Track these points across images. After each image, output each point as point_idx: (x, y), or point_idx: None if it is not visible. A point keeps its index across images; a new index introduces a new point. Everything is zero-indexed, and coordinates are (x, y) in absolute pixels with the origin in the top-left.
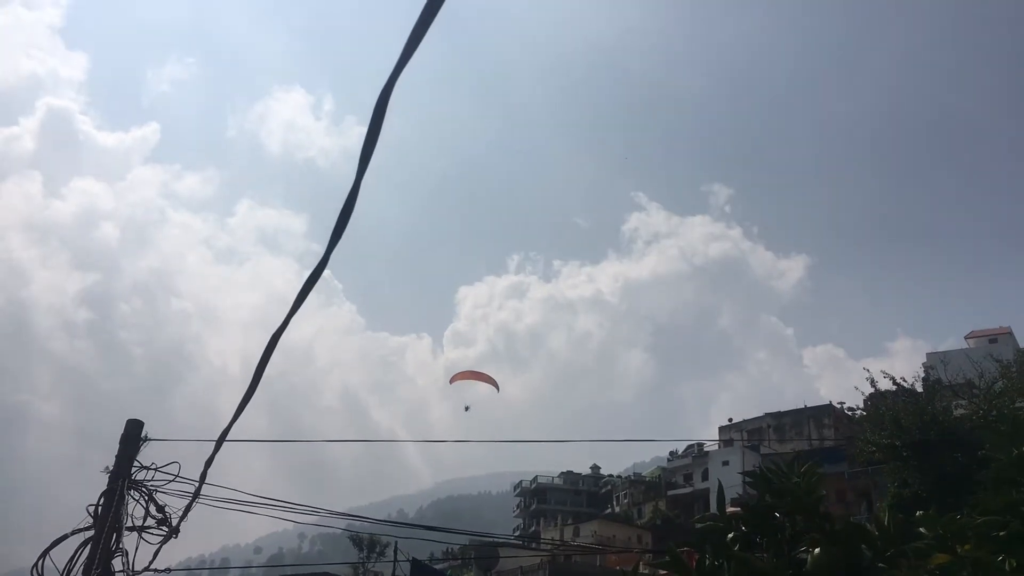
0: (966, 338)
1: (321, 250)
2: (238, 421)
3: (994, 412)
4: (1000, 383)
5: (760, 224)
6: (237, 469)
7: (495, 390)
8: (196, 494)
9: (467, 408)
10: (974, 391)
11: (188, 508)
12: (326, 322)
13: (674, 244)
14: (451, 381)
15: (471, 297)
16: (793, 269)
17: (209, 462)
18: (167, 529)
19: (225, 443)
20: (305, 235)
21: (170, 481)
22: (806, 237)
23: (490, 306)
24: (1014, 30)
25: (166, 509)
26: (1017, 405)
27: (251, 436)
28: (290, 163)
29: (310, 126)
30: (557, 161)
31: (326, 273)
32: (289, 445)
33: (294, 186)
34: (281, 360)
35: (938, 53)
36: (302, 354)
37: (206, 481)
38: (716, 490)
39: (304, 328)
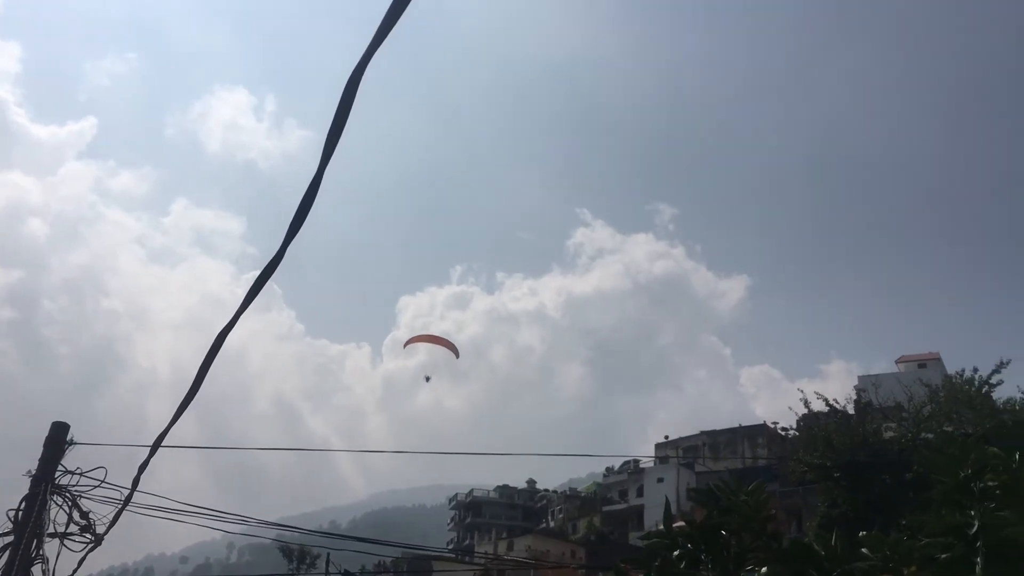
0: (896, 362)
1: (258, 254)
2: (163, 426)
3: (922, 435)
4: (928, 407)
5: (703, 244)
6: (163, 475)
7: (454, 356)
8: (127, 501)
9: (428, 378)
10: (903, 414)
11: (117, 516)
12: (264, 327)
13: (618, 261)
14: (405, 345)
15: (412, 307)
16: (734, 289)
17: (143, 467)
18: (91, 536)
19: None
20: (242, 238)
21: (95, 487)
22: (747, 258)
23: (431, 316)
24: (955, 60)
25: (90, 515)
26: (944, 429)
27: (179, 441)
28: (229, 164)
29: (251, 127)
30: (503, 174)
31: None
32: (219, 451)
33: (232, 187)
34: (214, 363)
35: (878, 80)
36: (236, 358)
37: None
38: (664, 507)
39: (239, 331)
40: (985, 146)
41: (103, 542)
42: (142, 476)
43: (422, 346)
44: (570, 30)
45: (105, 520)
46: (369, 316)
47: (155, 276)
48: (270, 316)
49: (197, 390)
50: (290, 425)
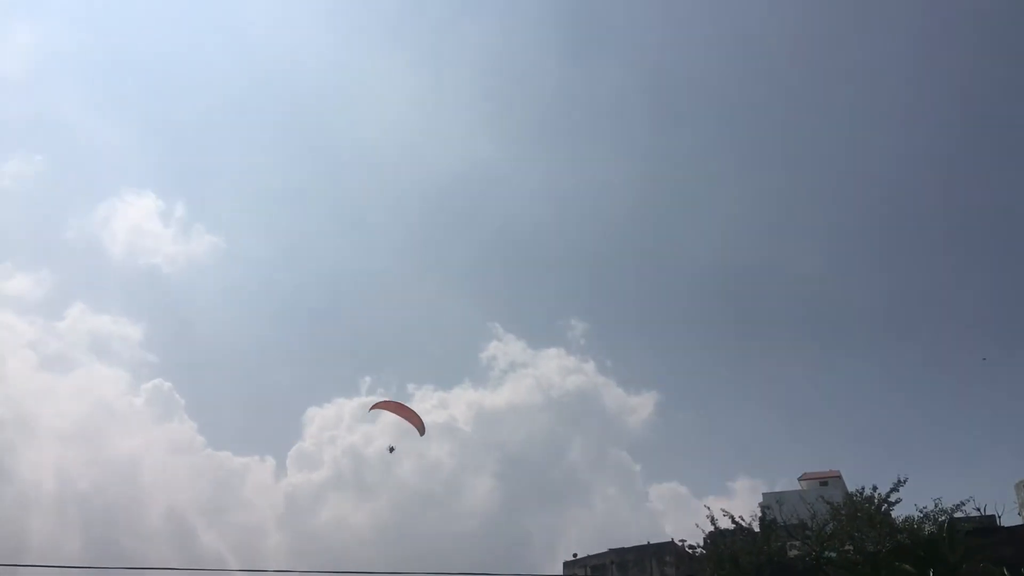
0: (799, 480)
1: (157, 361)
2: (45, 543)
3: (825, 554)
4: (831, 525)
5: (613, 359)
6: None
7: (418, 432)
8: None
9: (391, 449)
10: (807, 532)
11: None
12: (162, 437)
13: (530, 375)
14: (371, 409)
15: (319, 418)
16: (644, 405)
17: None
18: None
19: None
20: (140, 344)
21: None
22: (657, 374)
23: (339, 428)
24: (846, 183)
25: None
26: (846, 548)
27: (63, 559)
28: (132, 268)
29: (158, 232)
30: (412, 285)
31: (167, 386)
32: (102, 570)
33: (133, 293)
34: (102, 476)
35: (774, 200)
36: (128, 471)
37: None
38: None
39: (132, 443)
40: (871, 269)
41: None
42: None
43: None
44: (475, 145)
45: None
46: (274, 428)
47: (45, 383)
48: (170, 427)
49: None
50: (184, 541)
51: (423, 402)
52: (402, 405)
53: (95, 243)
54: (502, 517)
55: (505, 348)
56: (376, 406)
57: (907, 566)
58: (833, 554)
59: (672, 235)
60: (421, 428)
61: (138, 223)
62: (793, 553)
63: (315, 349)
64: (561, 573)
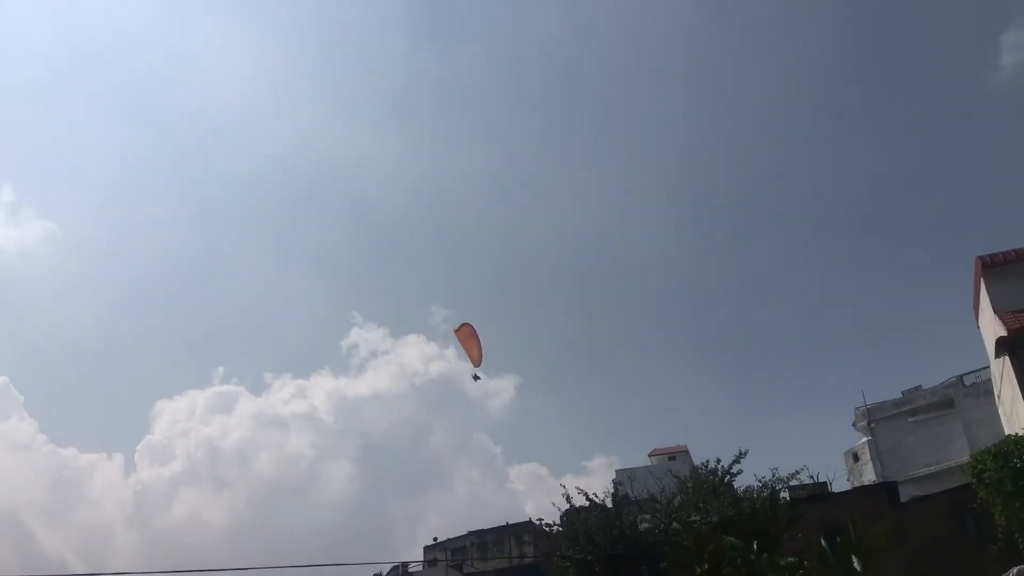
0: (649, 455)
1: None
2: None
3: (673, 525)
4: (678, 498)
5: None
6: None
7: (472, 364)
8: None
9: (476, 377)
10: (656, 506)
11: None
12: None
13: (393, 361)
14: (455, 331)
15: (169, 411)
16: (504, 389)
17: None
18: None
19: None
20: None
21: None
22: (516, 357)
23: (191, 420)
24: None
25: None
26: (692, 518)
27: None
28: None
29: None
30: (265, 274)
31: (2, 381)
32: None
33: None
34: None
35: (620, 188)
36: None
37: None
38: None
39: None
40: (719, 251)
41: None
42: None
43: None
44: (325, 125)
45: None
46: (122, 422)
47: None
48: (7, 424)
49: None
50: (19, 544)
51: (281, 391)
52: (473, 335)
53: None
54: (364, 506)
55: (366, 336)
56: (457, 330)
57: (732, 538)
58: (678, 525)
59: (529, 221)
60: (478, 361)
61: None
62: (644, 527)
63: (162, 339)
64: (422, 558)
